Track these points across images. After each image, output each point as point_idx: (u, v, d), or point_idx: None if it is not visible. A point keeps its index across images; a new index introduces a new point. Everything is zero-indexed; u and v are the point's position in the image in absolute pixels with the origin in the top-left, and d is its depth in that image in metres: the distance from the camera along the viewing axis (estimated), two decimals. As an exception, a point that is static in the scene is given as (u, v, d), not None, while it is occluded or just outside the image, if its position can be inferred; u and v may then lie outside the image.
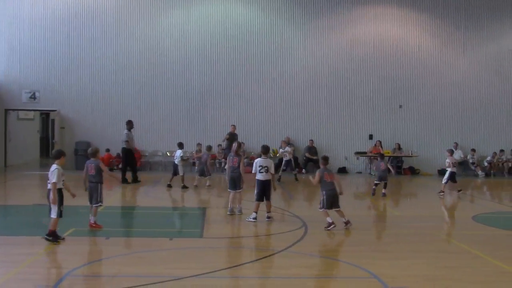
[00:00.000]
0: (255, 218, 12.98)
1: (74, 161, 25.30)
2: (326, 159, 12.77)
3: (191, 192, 18.96)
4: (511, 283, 8.32)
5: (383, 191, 17.92)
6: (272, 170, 13.34)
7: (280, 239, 11.17)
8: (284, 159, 22.86)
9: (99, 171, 12.00)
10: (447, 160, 19.19)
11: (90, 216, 11.89)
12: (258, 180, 13.21)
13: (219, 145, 26.14)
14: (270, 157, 14.62)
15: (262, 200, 13.16)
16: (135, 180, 20.83)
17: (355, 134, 27.45)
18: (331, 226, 11.90)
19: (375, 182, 18.23)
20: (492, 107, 28.03)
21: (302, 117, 27.16)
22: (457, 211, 17.08)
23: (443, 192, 18.86)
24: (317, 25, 27.28)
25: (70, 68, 26.16)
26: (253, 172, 13.36)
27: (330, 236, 11.82)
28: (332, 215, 12.06)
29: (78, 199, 11.73)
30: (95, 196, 11.88)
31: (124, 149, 20.89)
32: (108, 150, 24.95)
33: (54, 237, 10.17)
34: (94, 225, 11.82)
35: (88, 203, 11.99)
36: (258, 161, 13.37)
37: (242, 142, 23.93)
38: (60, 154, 10.67)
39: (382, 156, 19.32)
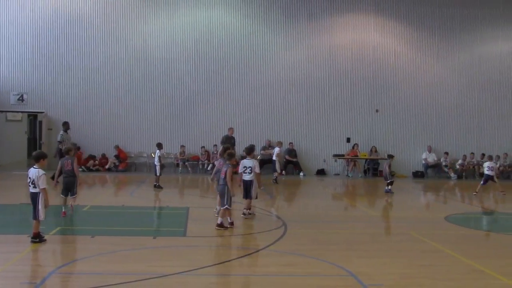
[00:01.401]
0: (250, 214, 13.38)
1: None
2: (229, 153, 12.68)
3: (175, 192, 18.89)
4: (482, 281, 8.38)
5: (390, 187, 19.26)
6: (257, 169, 13.35)
7: (261, 238, 11.17)
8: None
9: (73, 167, 13.40)
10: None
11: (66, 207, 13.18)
12: (242, 180, 13.32)
13: (202, 147, 26.14)
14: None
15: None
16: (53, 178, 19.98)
17: (333, 137, 27.53)
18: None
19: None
20: (464, 111, 28.28)
21: (282, 120, 27.18)
22: (430, 212, 17.19)
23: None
24: (298, 32, 27.35)
25: (57, 72, 25.95)
26: (239, 172, 13.49)
27: (308, 235, 11.82)
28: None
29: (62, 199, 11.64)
30: (72, 189, 13.33)
31: (59, 150, 19.65)
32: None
33: (40, 238, 10.05)
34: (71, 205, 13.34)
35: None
36: (242, 162, 13.51)
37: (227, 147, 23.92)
38: (42, 156, 10.49)
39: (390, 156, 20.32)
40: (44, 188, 10.05)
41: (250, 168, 13.21)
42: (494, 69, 28.54)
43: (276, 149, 21.47)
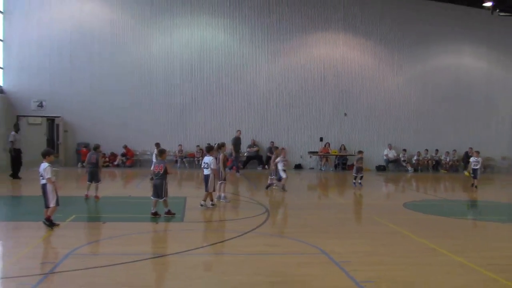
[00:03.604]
0: (213, 205, 13.04)
1: (76, 158, 25.03)
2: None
3: (174, 185, 18.86)
4: (434, 257, 8.47)
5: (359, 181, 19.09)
6: (213, 165, 12.90)
7: (247, 223, 11.20)
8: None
9: (98, 161, 14.37)
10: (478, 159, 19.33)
11: (90, 191, 14.10)
12: (203, 174, 13.15)
13: (198, 145, 26.14)
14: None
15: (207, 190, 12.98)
16: (15, 176, 19.25)
17: (308, 137, 27.64)
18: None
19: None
20: (419, 114, 28.55)
21: (265, 122, 27.25)
22: (391, 200, 17.31)
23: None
24: (278, 47, 27.43)
25: (71, 81, 25.83)
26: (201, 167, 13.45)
27: (288, 220, 11.90)
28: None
29: (78, 190, 11.57)
30: (95, 177, 14.15)
31: (10, 149, 19.36)
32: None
33: (50, 222, 9.99)
34: (97, 196, 13.96)
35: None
36: (204, 159, 13.30)
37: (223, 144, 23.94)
38: (49, 153, 10.41)
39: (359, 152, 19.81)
40: (49, 178, 9.96)
41: (206, 164, 12.96)
42: (444, 79, 28.84)
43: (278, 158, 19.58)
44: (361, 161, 19.09)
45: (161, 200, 11.53)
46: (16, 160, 19.30)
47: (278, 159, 16.77)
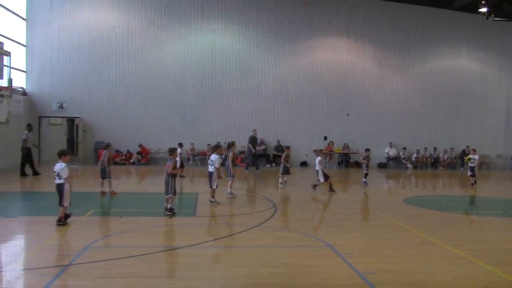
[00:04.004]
0: (212, 202, 12.73)
1: (94, 157, 25.07)
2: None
3: (187, 181, 18.87)
4: (432, 250, 8.41)
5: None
6: (217, 164, 12.56)
7: (255, 217, 11.18)
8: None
9: (109, 158, 14.20)
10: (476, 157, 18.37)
11: (104, 188, 14.06)
12: (208, 171, 12.90)
13: (208, 144, 26.12)
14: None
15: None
16: (35, 173, 18.99)
17: (313, 136, 27.52)
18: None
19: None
20: (418, 114, 28.34)
21: (272, 122, 27.16)
22: (392, 195, 17.21)
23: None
24: (284, 51, 27.33)
25: (91, 83, 25.88)
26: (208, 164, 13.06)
27: (295, 215, 11.84)
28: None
29: (96, 187, 11.58)
30: (103, 174, 13.99)
31: (23, 147, 18.94)
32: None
33: (63, 222, 9.77)
34: (112, 192, 13.99)
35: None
36: (211, 156, 12.99)
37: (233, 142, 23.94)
38: (65, 153, 10.11)
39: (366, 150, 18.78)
40: (67, 178, 9.75)
41: (212, 161, 12.66)
42: (441, 80, 28.61)
43: (318, 159, 16.60)
44: (367, 158, 18.22)
45: (166, 197, 11.09)
46: (26, 158, 18.98)
47: (318, 160, 15.94)
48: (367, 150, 18.75)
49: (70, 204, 9.88)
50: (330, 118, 27.66)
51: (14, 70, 22.80)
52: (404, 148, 27.67)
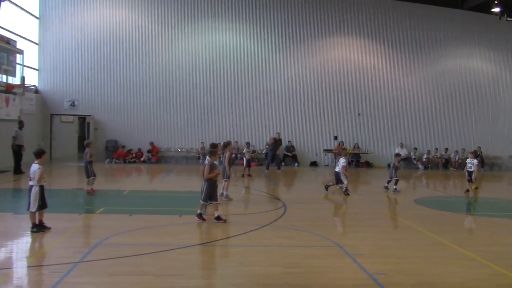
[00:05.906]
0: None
1: (105, 154, 25.25)
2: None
3: (195, 179, 18.89)
4: (443, 251, 8.37)
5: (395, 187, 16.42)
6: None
7: (266, 216, 11.17)
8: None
9: (90, 156, 14.07)
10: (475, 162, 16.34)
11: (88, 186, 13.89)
12: None
13: (218, 143, 26.05)
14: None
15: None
16: (19, 171, 18.23)
17: (323, 135, 27.46)
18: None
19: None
20: (430, 114, 28.17)
21: (282, 122, 27.12)
22: (402, 196, 17.07)
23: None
24: (295, 50, 27.27)
25: (101, 82, 26.02)
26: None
27: (304, 214, 11.82)
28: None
29: (106, 185, 11.62)
30: (90, 173, 13.84)
31: (13, 145, 18.41)
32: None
33: (37, 227, 8.99)
34: (91, 190, 13.78)
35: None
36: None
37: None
38: (41, 153, 9.19)
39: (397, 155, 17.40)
40: (39, 180, 8.92)
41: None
42: (453, 81, 28.43)
43: (342, 160, 15.54)
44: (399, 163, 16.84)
45: (202, 202, 10.43)
46: (17, 156, 18.44)
47: (342, 161, 15.35)
48: (398, 155, 17.53)
49: (46, 206, 9.16)
50: (341, 117, 27.57)
51: (26, 68, 23.05)
52: (415, 149, 27.51)
